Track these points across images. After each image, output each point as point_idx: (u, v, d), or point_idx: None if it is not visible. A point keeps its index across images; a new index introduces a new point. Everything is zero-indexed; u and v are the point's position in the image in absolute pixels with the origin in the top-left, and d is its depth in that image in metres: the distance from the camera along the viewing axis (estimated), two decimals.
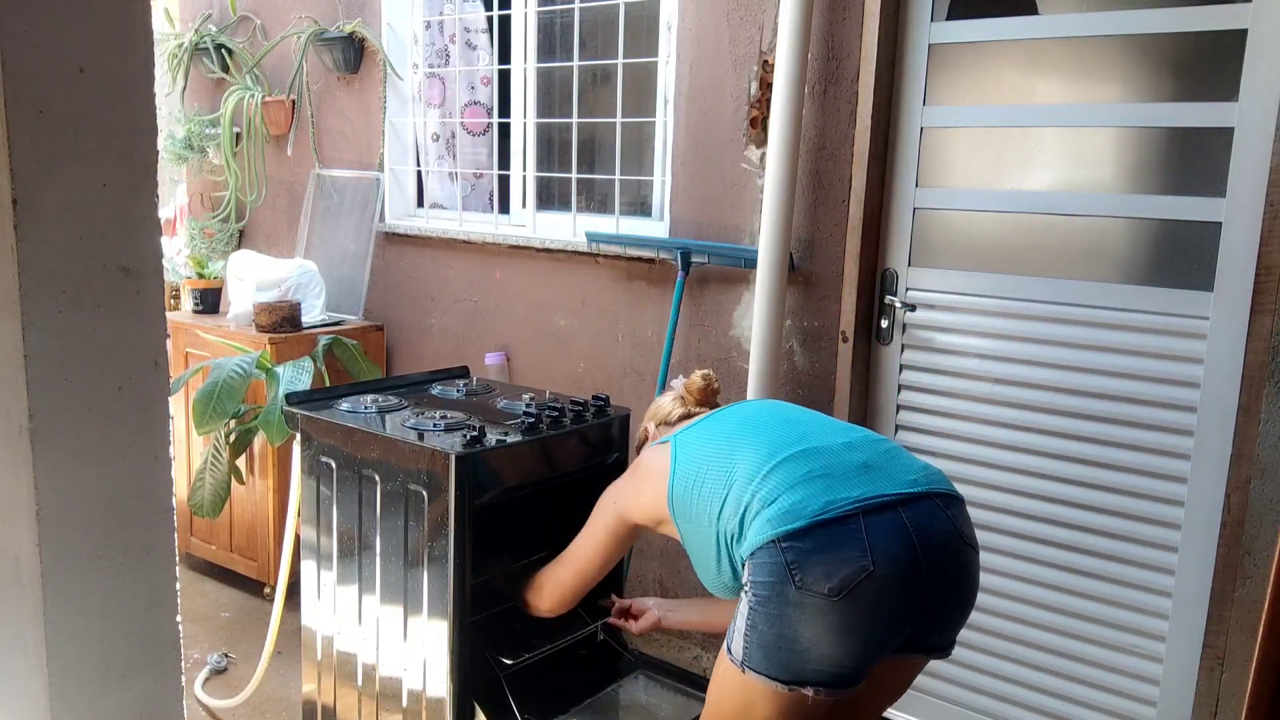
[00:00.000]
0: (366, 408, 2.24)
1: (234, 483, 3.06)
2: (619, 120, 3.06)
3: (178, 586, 1.11)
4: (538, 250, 3.20)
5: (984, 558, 2.51)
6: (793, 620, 1.52)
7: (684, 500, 1.74)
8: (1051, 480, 2.42)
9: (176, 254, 4.22)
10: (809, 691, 1.54)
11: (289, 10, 3.77)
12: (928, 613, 1.60)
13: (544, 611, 2.07)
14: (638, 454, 2.01)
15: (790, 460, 1.63)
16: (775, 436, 1.71)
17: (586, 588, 2.01)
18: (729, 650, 1.61)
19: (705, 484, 1.71)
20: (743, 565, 1.61)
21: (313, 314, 3.52)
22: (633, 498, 1.87)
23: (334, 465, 2.16)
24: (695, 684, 2.24)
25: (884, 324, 2.63)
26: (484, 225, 3.45)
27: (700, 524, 1.71)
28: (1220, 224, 2.15)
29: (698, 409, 2.01)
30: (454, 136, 3.63)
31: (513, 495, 2.13)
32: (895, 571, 1.53)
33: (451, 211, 3.61)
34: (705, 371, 2.05)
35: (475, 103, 3.55)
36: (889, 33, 2.51)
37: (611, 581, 2.22)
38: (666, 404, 2.06)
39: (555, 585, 2.03)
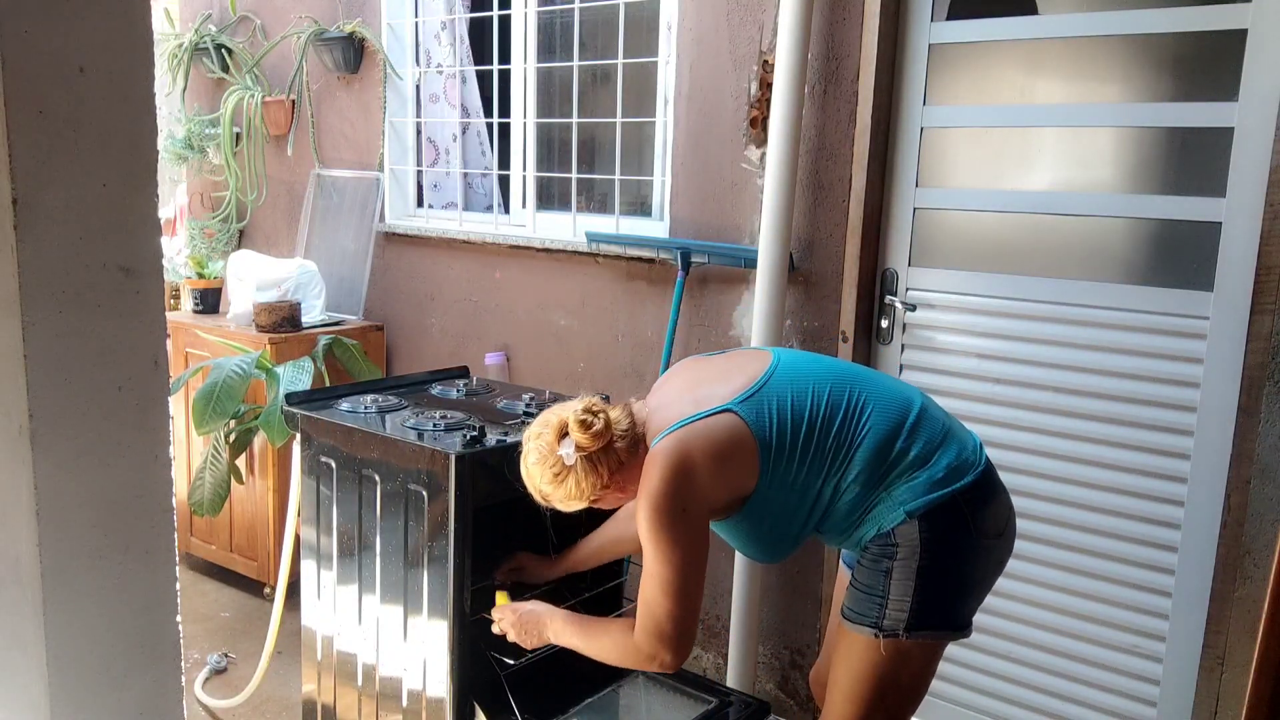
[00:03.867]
0: (366, 408, 2.24)
1: (234, 483, 3.06)
2: (619, 120, 3.06)
3: (178, 586, 1.11)
4: (538, 250, 3.20)
5: None
6: (969, 561, 1.66)
7: (781, 464, 1.63)
8: (1052, 480, 2.42)
9: (176, 254, 4.22)
10: (965, 634, 1.69)
11: (289, 10, 3.77)
12: None
13: (671, 668, 1.69)
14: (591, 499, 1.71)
15: (922, 419, 1.69)
16: (889, 392, 1.72)
17: (698, 605, 1.68)
18: (878, 627, 1.63)
19: (821, 436, 1.64)
20: (897, 527, 1.62)
21: (313, 314, 3.52)
22: (714, 478, 1.62)
23: (334, 465, 2.16)
24: (695, 684, 2.24)
25: (884, 324, 2.63)
26: (484, 225, 3.45)
27: (791, 489, 1.65)
28: (1220, 224, 2.15)
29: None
30: (454, 139, 3.63)
31: (513, 495, 2.13)
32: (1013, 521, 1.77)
33: (451, 211, 3.61)
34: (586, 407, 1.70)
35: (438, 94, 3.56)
36: (889, 33, 2.51)
37: (615, 563, 2.22)
38: (531, 446, 1.71)
39: (674, 638, 1.65)
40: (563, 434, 1.66)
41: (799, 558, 2.76)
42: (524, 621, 1.87)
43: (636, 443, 1.69)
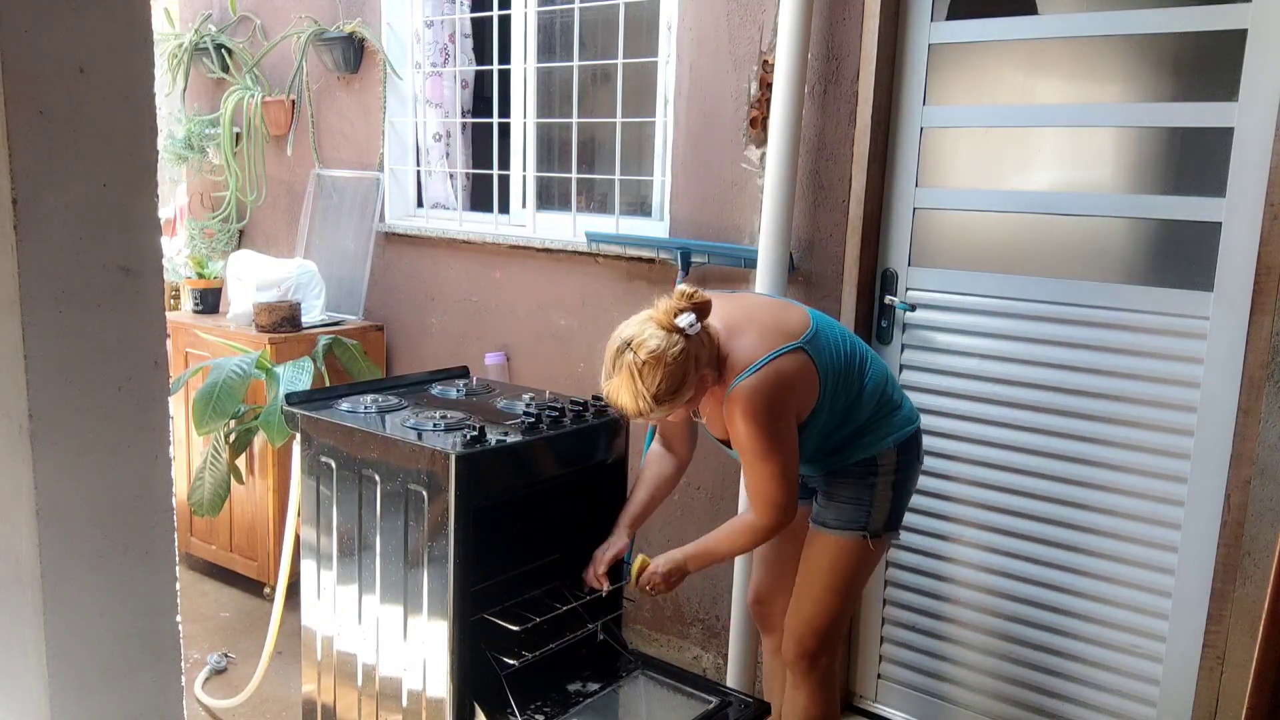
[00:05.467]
0: (366, 408, 2.24)
1: (234, 483, 3.06)
2: (619, 120, 3.06)
3: (178, 586, 1.11)
4: (538, 250, 3.20)
5: (984, 557, 2.53)
6: (913, 483, 2.14)
7: (830, 391, 1.99)
8: (1052, 480, 2.42)
9: (176, 254, 4.22)
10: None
11: (289, 10, 3.77)
12: None
13: (775, 529, 2.02)
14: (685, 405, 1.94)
15: (887, 369, 2.15)
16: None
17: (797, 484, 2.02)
18: (865, 529, 2.04)
19: (849, 372, 2.02)
20: (881, 453, 2.04)
21: (313, 314, 3.52)
22: (799, 398, 1.96)
23: (334, 465, 2.16)
24: (695, 684, 2.24)
25: (884, 324, 2.63)
26: (484, 225, 3.45)
27: (832, 410, 2.00)
28: (1220, 224, 2.15)
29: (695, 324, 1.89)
30: (450, 135, 3.63)
31: (513, 495, 2.14)
32: None
33: (451, 211, 3.60)
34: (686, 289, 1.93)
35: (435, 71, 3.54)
36: (889, 33, 2.51)
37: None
38: (685, 344, 1.88)
39: (789, 502, 1.98)
40: (664, 327, 1.88)
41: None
42: (669, 577, 2.12)
43: (714, 344, 1.95)
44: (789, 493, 1.99)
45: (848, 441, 2.06)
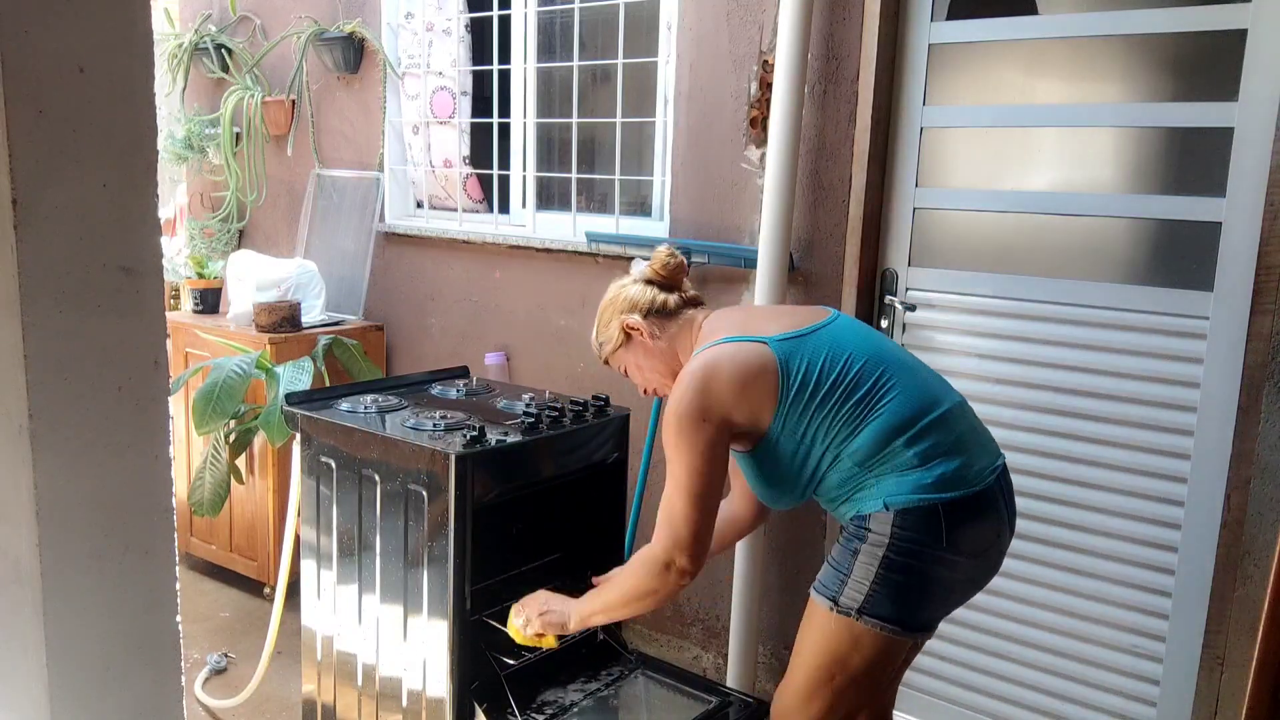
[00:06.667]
0: (366, 408, 2.24)
1: (234, 482, 3.06)
2: (619, 120, 3.06)
3: (178, 586, 1.11)
4: (538, 250, 3.20)
5: None
6: (932, 570, 1.67)
7: (798, 407, 1.69)
8: (1051, 480, 2.41)
9: (176, 254, 4.22)
10: (916, 637, 1.72)
11: (289, 10, 3.77)
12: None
13: (682, 577, 1.74)
14: (610, 354, 1.96)
15: (942, 421, 1.71)
16: (917, 383, 1.75)
17: (714, 516, 1.76)
18: (835, 602, 1.69)
19: (838, 400, 1.69)
20: (874, 514, 1.67)
21: (313, 314, 3.52)
22: (736, 394, 1.70)
23: (334, 465, 2.16)
24: (695, 684, 2.24)
25: (884, 324, 2.63)
26: (484, 225, 3.45)
27: (797, 439, 1.71)
28: (1220, 224, 2.15)
29: (669, 292, 1.93)
30: (429, 126, 3.63)
31: (513, 495, 2.13)
32: (1008, 534, 1.78)
33: (451, 211, 3.60)
34: (668, 248, 1.96)
35: (443, 89, 3.54)
36: (889, 33, 2.51)
37: (615, 560, 2.21)
38: (636, 291, 1.93)
39: (687, 542, 1.71)
40: (643, 280, 1.94)
41: (798, 559, 2.76)
42: (546, 621, 1.94)
43: (682, 337, 1.89)
44: (696, 525, 1.69)
45: (845, 485, 1.72)
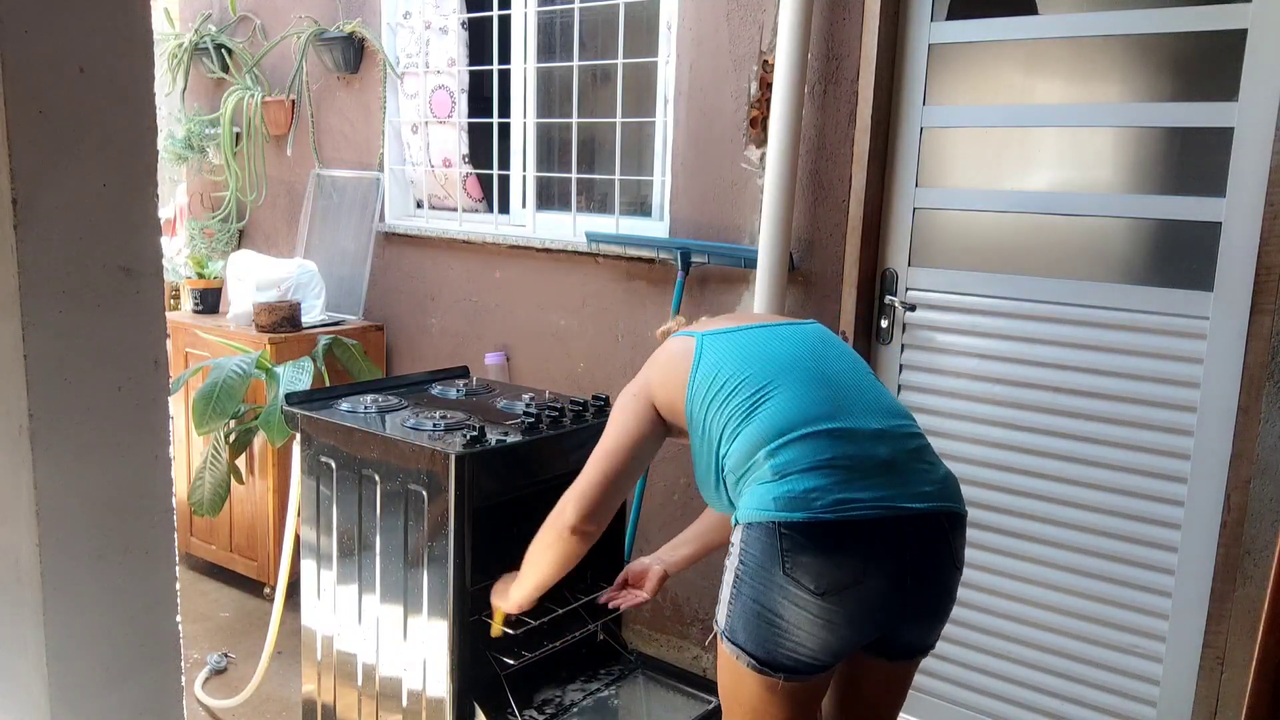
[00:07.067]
0: (366, 408, 2.24)
1: (234, 483, 3.06)
2: (619, 120, 3.06)
3: (178, 586, 1.11)
4: (538, 250, 3.20)
5: (985, 558, 2.53)
6: (775, 600, 1.50)
7: (699, 401, 1.68)
8: (1051, 480, 2.41)
9: (176, 254, 4.22)
10: (779, 678, 1.53)
11: (289, 10, 3.77)
12: (903, 621, 1.60)
13: (572, 533, 1.75)
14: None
15: (817, 437, 1.54)
16: (812, 397, 1.60)
17: (618, 494, 1.77)
18: (716, 619, 1.60)
19: (724, 401, 1.64)
20: (735, 523, 1.59)
21: (313, 314, 3.52)
22: (658, 376, 1.77)
23: (334, 465, 2.16)
24: (695, 684, 2.24)
25: (884, 324, 2.63)
26: (484, 225, 3.45)
27: (704, 437, 1.68)
28: (1220, 224, 2.15)
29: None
30: (428, 126, 3.62)
31: (513, 495, 2.14)
32: (884, 585, 1.52)
33: (451, 211, 3.60)
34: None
35: (442, 87, 3.53)
36: (889, 33, 2.51)
37: (614, 560, 2.22)
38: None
39: (580, 496, 1.74)
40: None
41: None
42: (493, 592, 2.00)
43: None
44: (598, 488, 1.72)
45: (731, 491, 1.65)
